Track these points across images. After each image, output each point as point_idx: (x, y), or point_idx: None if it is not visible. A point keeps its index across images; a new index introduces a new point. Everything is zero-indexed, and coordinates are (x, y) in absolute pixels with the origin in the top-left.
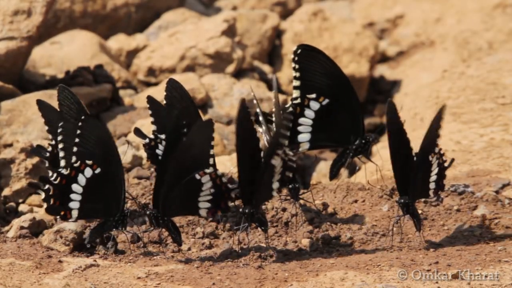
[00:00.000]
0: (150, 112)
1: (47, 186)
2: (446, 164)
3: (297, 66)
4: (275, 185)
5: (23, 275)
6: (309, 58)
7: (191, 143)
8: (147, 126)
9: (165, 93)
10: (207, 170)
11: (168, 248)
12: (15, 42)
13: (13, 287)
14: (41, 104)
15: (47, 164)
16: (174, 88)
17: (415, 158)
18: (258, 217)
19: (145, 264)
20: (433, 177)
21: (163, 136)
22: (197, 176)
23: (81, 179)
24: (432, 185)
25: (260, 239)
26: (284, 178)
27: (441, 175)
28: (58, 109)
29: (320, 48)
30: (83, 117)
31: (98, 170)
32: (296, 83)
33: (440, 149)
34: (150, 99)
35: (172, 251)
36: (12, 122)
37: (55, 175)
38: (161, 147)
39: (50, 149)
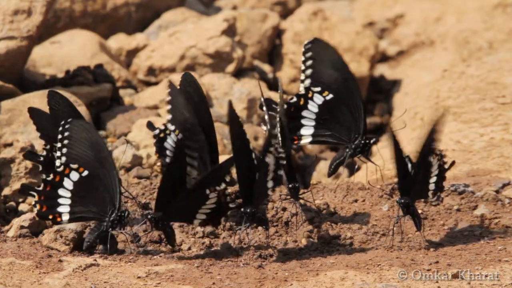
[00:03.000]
0: (168, 98)
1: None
2: (446, 166)
3: (307, 56)
4: (270, 184)
5: (23, 275)
6: (320, 50)
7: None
8: None
9: (178, 87)
10: (218, 188)
11: (168, 248)
12: (15, 42)
13: (13, 286)
14: (33, 112)
15: (41, 169)
16: (188, 82)
17: (407, 160)
18: (259, 216)
19: (145, 264)
20: (433, 179)
21: (172, 128)
22: (207, 191)
23: (68, 183)
24: (431, 186)
25: (260, 239)
26: (276, 177)
27: (441, 177)
28: (50, 114)
29: None
30: (69, 120)
31: (85, 173)
32: (305, 74)
33: (441, 151)
34: (171, 84)
35: (172, 251)
36: (12, 121)
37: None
38: (169, 139)
39: (44, 153)
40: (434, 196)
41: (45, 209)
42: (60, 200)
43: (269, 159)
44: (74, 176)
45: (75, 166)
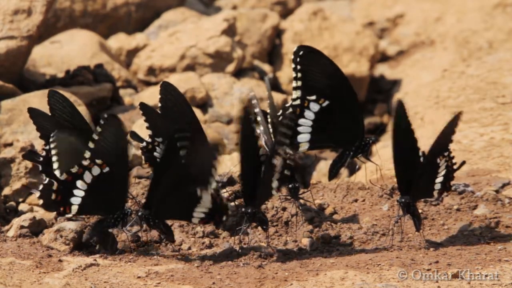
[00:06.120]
0: (144, 118)
1: (48, 181)
2: (455, 167)
3: (298, 67)
4: (275, 184)
5: (23, 275)
6: (310, 59)
7: (195, 161)
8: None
9: (159, 96)
10: (210, 188)
11: (168, 248)
12: (15, 42)
13: (13, 286)
14: (32, 112)
15: (40, 168)
16: (168, 91)
17: (421, 159)
18: (260, 216)
19: (145, 264)
20: (439, 179)
21: (160, 139)
22: (198, 192)
23: (88, 176)
24: (437, 186)
25: (260, 239)
26: (282, 177)
27: (449, 177)
28: (50, 114)
29: (320, 48)
30: (105, 115)
31: (106, 169)
32: (297, 83)
33: (450, 152)
34: (142, 105)
35: (172, 251)
36: (12, 121)
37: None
38: (158, 149)
39: (44, 153)
40: (440, 196)
41: (60, 198)
42: (75, 192)
43: (277, 161)
44: (96, 171)
45: (99, 161)
